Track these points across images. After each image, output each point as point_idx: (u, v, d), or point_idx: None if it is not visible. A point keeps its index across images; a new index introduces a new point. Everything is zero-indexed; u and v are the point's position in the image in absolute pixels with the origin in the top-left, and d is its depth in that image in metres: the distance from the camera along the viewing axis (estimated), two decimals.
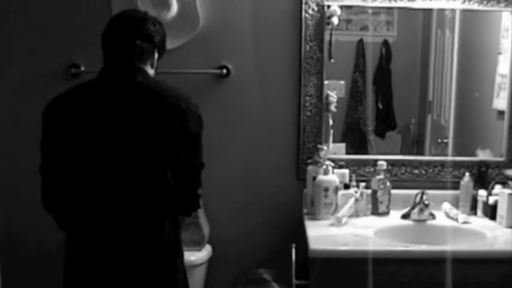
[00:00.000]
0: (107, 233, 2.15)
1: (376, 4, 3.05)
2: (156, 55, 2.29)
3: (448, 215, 2.97)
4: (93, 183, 2.13)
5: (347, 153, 3.20)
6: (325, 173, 2.92)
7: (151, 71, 2.26)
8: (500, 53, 3.14)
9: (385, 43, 3.21)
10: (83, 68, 3.05)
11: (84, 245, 2.18)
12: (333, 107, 3.09)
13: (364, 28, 3.19)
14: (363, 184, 3.01)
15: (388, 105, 3.25)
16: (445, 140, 3.22)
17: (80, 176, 2.14)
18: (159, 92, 2.16)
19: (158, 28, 2.28)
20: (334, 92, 3.10)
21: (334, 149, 3.14)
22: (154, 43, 2.24)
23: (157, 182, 2.13)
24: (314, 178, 2.95)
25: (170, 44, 2.80)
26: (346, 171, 3.05)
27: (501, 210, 2.85)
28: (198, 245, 3.01)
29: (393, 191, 3.01)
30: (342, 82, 3.19)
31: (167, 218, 2.19)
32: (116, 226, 2.14)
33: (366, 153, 3.23)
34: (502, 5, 3.05)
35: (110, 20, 2.27)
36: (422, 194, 2.92)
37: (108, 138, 2.11)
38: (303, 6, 3.02)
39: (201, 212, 2.99)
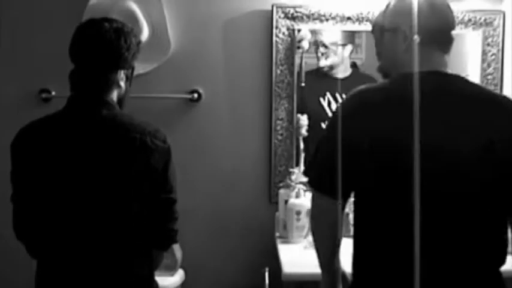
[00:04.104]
0: (77, 266, 2.11)
1: (346, 28, 3.08)
2: (128, 72, 2.21)
3: None
4: (62, 216, 2.10)
5: None
6: (297, 196, 2.93)
7: (119, 92, 2.19)
8: (468, 75, 3.17)
9: (354, 65, 3.24)
10: (53, 93, 3.04)
11: (54, 276, 2.15)
12: (303, 131, 3.11)
13: None
14: None
15: None
16: None
17: (49, 208, 2.11)
18: (124, 127, 2.10)
19: (129, 43, 2.15)
20: (305, 115, 3.12)
21: None
22: (124, 68, 2.17)
23: (123, 217, 2.10)
24: (286, 201, 2.96)
25: (141, 69, 2.81)
26: None
27: None
28: (170, 269, 2.98)
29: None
30: None
31: (138, 253, 2.16)
32: (85, 259, 2.11)
33: None
34: (470, 28, 3.09)
35: (78, 32, 2.16)
36: None
37: (74, 172, 2.07)
38: (274, 30, 3.04)
39: None
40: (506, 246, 1.88)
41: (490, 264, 1.87)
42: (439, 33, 1.90)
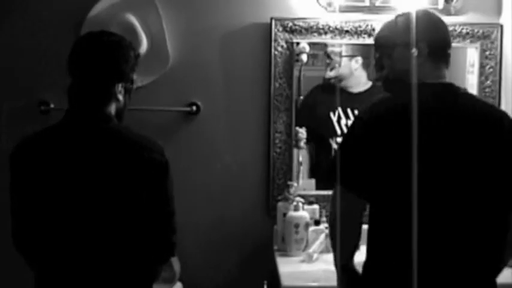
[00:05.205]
0: (76, 277, 2.10)
1: (345, 41, 3.09)
2: (126, 85, 2.20)
3: None
4: (60, 228, 2.09)
5: (317, 188, 3.21)
6: (296, 209, 2.93)
7: (117, 105, 2.19)
8: (465, 88, 3.18)
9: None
10: (52, 105, 3.04)
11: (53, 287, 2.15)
12: (302, 144, 3.11)
13: None
14: None
15: None
16: None
17: (48, 220, 2.11)
18: (122, 141, 2.10)
19: (126, 56, 2.16)
20: (303, 128, 3.13)
21: (304, 185, 3.15)
22: (122, 81, 2.16)
23: (122, 229, 2.09)
24: (284, 214, 2.96)
25: (140, 81, 2.81)
26: (316, 207, 3.06)
27: None
28: (169, 282, 2.98)
29: (363, 226, 3.00)
30: None
31: (137, 265, 2.15)
32: (84, 270, 2.10)
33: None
34: (468, 41, 3.11)
35: (75, 45, 2.16)
36: None
37: (72, 185, 2.06)
38: (272, 43, 3.05)
39: None
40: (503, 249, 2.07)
41: (488, 265, 2.05)
42: (444, 49, 2.12)
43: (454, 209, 1.97)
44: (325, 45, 3.16)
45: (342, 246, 2.15)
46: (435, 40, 2.09)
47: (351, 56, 3.20)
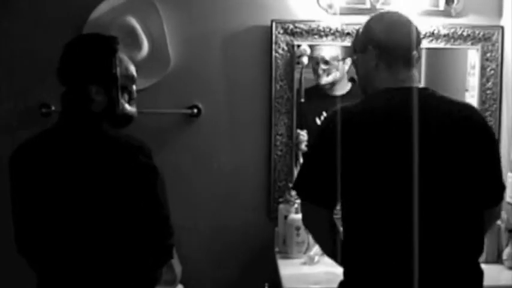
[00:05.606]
0: (76, 280, 2.11)
1: (345, 44, 3.09)
2: (107, 85, 2.16)
3: None
4: (59, 230, 2.10)
5: None
6: (297, 211, 2.93)
7: (100, 106, 2.12)
8: (467, 90, 3.19)
9: (352, 80, 3.23)
10: (53, 108, 3.03)
11: None
12: (303, 146, 3.11)
13: None
14: None
15: None
16: None
17: (47, 222, 2.11)
18: (108, 143, 2.09)
19: (93, 55, 2.14)
20: (305, 130, 3.12)
21: None
22: (94, 82, 2.11)
23: (117, 232, 2.08)
24: (286, 217, 2.96)
25: (141, 84, 2.81)
26: None
27: None
28: (170, 285, 2.98)
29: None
30: None
31: (136, 269, 2.15)
32: (84, 274, 2.10)
33: None
34: (469, 43, 3.11)
35: (68, 48, 2.17)
36: None
37: (65, 189, 2.06)
38: (273, 46, 3.05)
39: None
40: (483, 239, 2.06)
41: (471, 255, 2.03)
42: (402, 50, 2.03)
43: (426, 214, 1.91)
44: (316, 49, 3.15)
45: (329, 251, 2.17)
46: (386, 42, 2.03)
47: (344, 59, 3.20)
